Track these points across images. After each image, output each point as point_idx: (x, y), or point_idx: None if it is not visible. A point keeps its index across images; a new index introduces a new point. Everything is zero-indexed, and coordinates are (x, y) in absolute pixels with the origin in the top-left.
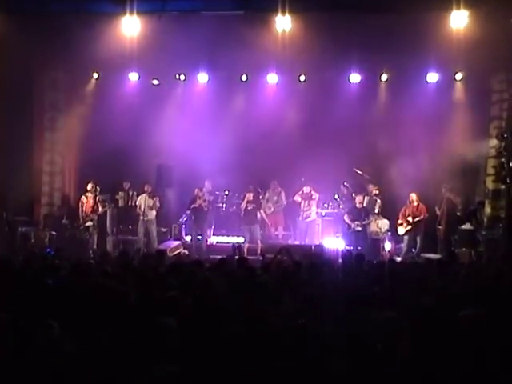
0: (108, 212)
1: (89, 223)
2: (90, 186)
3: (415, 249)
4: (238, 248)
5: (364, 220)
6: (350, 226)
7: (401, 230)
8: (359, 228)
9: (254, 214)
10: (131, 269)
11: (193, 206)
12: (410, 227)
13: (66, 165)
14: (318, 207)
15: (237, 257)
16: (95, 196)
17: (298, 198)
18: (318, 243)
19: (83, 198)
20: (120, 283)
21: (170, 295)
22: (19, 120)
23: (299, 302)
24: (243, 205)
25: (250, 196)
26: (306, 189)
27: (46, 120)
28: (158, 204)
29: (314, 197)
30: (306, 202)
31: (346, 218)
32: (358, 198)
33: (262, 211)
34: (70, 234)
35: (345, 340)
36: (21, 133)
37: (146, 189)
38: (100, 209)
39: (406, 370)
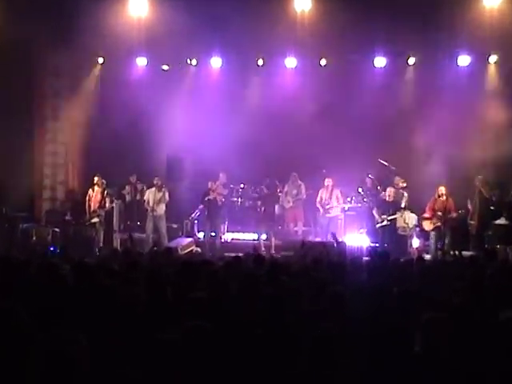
0: (115, 208)
1: (95, 219)
2: (96, 179)
3: (444, 245)
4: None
5: (392, 215)
6: (377, 222)
7: (427, 225)
8: (387, 223)
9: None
10: (140, 268)
11: (206, 199)
12: (439, 223)
13: (69, 156)
14: (340, 201)
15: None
16: (103, 190)
17: (322, 192)
18: (340, 240)
19: (90, 192)
20: (128, 284)
21: (193, 297)
22: (19, 109)
23: (322, 303)
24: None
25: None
26: (328, 181)
27: (48, 108)
28: (167, 197)
29: (335, 190)
30: (327, 195)
31: (374, 212)
32: (388, 191)
33: (279, 205)
34: (75, 230)
35: (371, 343)
36: (20, 122)
37: (155, 182)
38: (107, 204)
39: (446, 374)
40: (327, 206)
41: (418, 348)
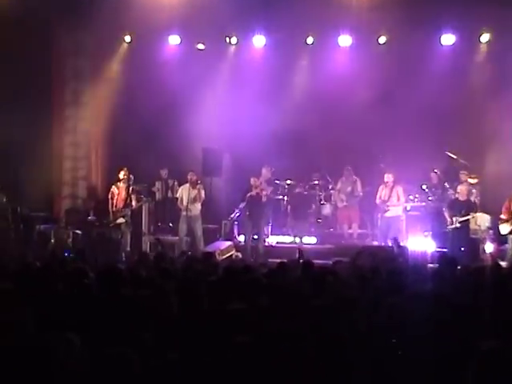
0: (144, 207)
1: (120, 220)
2: (122, 175)
3: None
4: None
5: (465, 215)
6: (447, 223)
7: (505, 229)
8: (458, 225)
9: None
10: (173, 276)
11: (248, 197)
12: None
13: (92, 148)
14: (401, 199)
15: (301, 260)
16: (128, 186)
17: (381, 189)
18: (401, 244)
19: (114, 189)
20: (159, 294)
21: (234, 309)
22: (35, 94)
23: (379, 316)
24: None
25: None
26: (388, 177)
27: (68, 93)
28: (202, 195)
29: (397, 187)
30: (387, 193)
31: (445, 213)
32: (461, 189)
33: (330, 204)
34: (98, 232)
35: (434, 367)
36: (37, 109)
37: (189, 178)
38: (134, 202)
39: None
40: (389, 205)
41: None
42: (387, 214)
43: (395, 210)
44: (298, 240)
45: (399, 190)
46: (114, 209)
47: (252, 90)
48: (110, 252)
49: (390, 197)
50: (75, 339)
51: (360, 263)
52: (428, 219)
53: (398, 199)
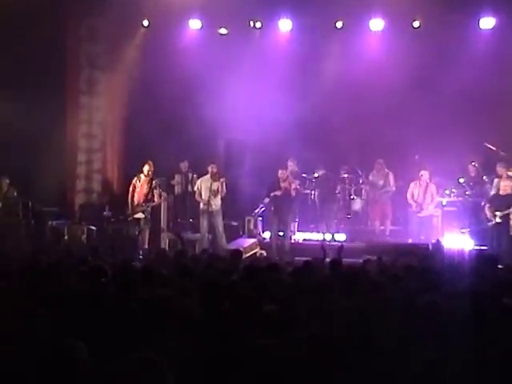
0: (163, 202)
1: (139, 215)
2: (147, 168)
3: None
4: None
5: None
6: (488, 219)
7: None
8: (499, 221)
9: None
10: (194, 275)
11: (274, 193)
12: None
13: (107, 139)
14: (435, 199)
15: (328, 259)
16: (150, 180)
17: (414, 187)
18: (436, 241)
19: (136, 182)
20: (180, 295)
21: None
22: (47, 82)
23: (413, 317)
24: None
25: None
26: (423, 174)
27: (82, 81)
28: (224, 189)
29: (431, 185)
30: (421, 191)
31: (486, 209)
32: (504, 184)
33: (361, 199)
34: (115, 228)
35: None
36: (49, 98)
37: (210, 170)
38: (156, 198)
39: None
40: (422, 205)
41: None
42: (421, 214)
43: (429, 209)
44: (328, 237)
45: (433, 188)
46: (134, 202)
47: (277, 78)
48: (127, 249)
49: (423, 196)
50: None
51: (393, 261)
52: (465, 215)
53: (432, 199)
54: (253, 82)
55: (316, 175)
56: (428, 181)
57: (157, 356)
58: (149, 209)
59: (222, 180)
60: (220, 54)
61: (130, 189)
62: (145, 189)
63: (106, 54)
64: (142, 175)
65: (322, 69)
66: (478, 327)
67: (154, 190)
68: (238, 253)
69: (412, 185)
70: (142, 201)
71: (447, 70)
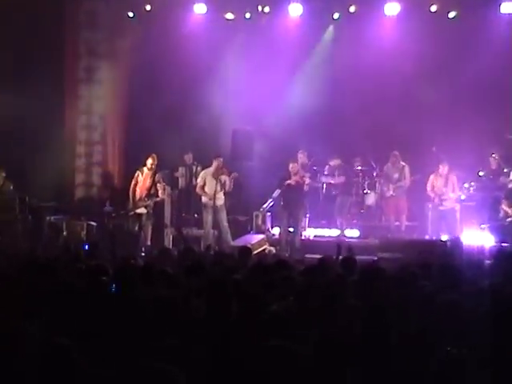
0: (167, 197)
1: (142, 210)
2: (150, 161)
3: None
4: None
5: None
6: (506, 216)
7: None
8: None
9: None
10: (199, 274)
11: (286, 185)
12: None
13: (108, 131)
14: (456, 190)
15: (341, 256)
16: (154, 174)
17: (435, 178)
18: (454, 237)
19: (139, 175)
20: (183, 294)
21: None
22: (44, 70)
23: (434, 316)
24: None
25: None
26: (443, 166)
27: (82, 70)
28: (231, 184)
29: (452, 176)
30: (442, 183)
31: (503, 205)
32: None
33: (375, 193)
34: (115, 224)
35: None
36: (47, 88)
37: (215, 163)
38: (160, 193)
39: None
40: (443, 197)
41: None
42: (442, 207)
43: (450, 202)
44: (347, 233)
45: (454, 179)
46: (136, 197)
47: (286, 65)
48: (129, 246)
49: (445, 187)
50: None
51: (409, 259)
52: (485, 210)
53: (453, 190)
54: (261, 70)
55: (332, 164)
56: (448, 172)
57: (170, 366)
58: (151, 204)
59: (233, 175)
60: (226, 41)
61: (132, 183)
62: (148, 183)
63: (107, 41)
64: (144, 168)
65: (333, 56)
66: (499, 327)
67: (158, 185)
68: (246, 250)
69: (432, 176)
70: (144, 195)
71: (466, 57)
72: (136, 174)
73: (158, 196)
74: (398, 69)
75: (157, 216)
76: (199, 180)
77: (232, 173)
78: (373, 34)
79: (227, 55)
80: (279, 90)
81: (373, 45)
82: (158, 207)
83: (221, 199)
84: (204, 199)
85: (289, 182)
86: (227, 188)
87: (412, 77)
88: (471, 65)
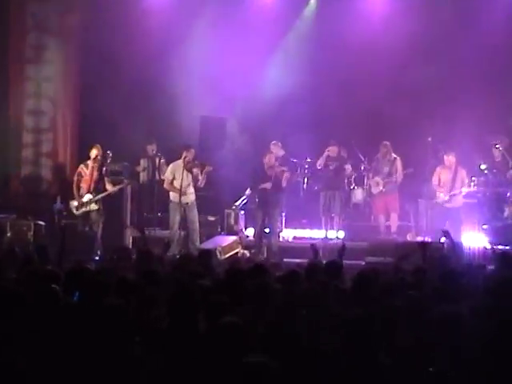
0: (125, 192)
1: (93, 206)
2: (94, 153)
3: None
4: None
5: None
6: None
7: None
8: None
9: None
10: (161, 280)
11: (263, 185)
12: None
13: (59, 117)
14: (465, 186)
15: (324, 261)
16: (101, 166)
17: (441, 171)
18: (452, 239)
19: (82, 169)
20: (143, 302)
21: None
22: None
23: (424, 332)
24: (320, 161)
25: (333, 150)
26: (450, 159)
27: (29, 47)
28: (204, 178)
29: (461, 170)
30: (450, 177)
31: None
32: None
33: (363, 189)
34: (68, 224)
35: None
36: None
37: (185, 155)
38: (109, 186)
39: None
40: (451, 193)
41: None
42: (449, 205)
43: (459, 199)
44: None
45: (463, 173)
46: (82, 193)
47: (262, 44)
48: (82, 248)
49: (454, 182)
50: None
51: (401, 264)
52: (487, 208)
53: (462, 185)
54: (233, 50)
55: (309, 160)
56: (456, 165)
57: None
58: (100, 199)
59: (206, 169)
60: (194, 15)
61: (75, 178)
62: (95, 177)
63: (57, 15)
64: (89, 162)
65: (314, 34)
66: (501, 348)
67: (106, 178)
68: (207, 253)
69: (438, 169)
70: (92, 190)
71: (464, 36)
72: (79, 168)
73: (106, 190)
74: (388, 49)
75: (114, 214)
76: (168, 174)
77: (206, 166)
78: (360, 7)
79: (196, 33)
80: (254, 71)
81: (360, 20)
82: (114, 204)
83: (192, 195)
84: (173, 196)
85: (264, 186)
86: (199, 183)
87: (404, 58)
88: (471, 44)
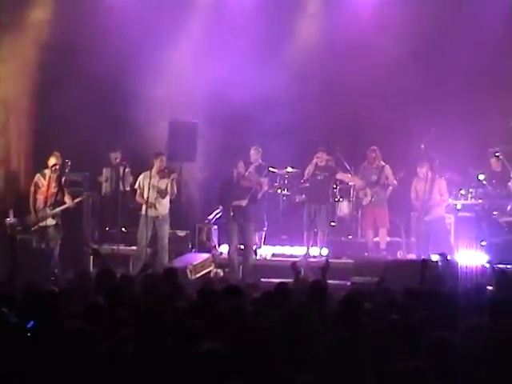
0: (85, 205)
1: (49, 221)
2: (52, 162)
3: None
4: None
5: None
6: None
7: None
8: None
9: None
10: (127, 301)
11: (237, 202)
12: None
13: (13, 122)
14: (445, 196)
15: (309, 281)
16: (60, 176)
17: (417, 182)
18: (446, 257)
19: (39, 179)
20: (106, 326)
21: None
22: None
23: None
24: (308, 170)
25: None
26: (423, 170)
27: None
28: (174, 188)
29: (439, 179)
30: (427, 187)
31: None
32: None
33: (349, 201)
34: (23, 240)
35: None
36: None
37: (156, 164)
38: (67, 199)
39: None
40: (427, 205)
41: None
42: (427, 218)
43: (438, 210)
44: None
45: (442, 182)
46: (38, 206)
47: (239, 44)
48: (37, 267)
49: (429, 193)
50: None
51: (390, 285)
52: (486, 223)
53: (441, 196)
54: (207, 49)
55: (289, 170)
56: (433, 174)
57: None
58: (59, 212)
59: (172, 176)
60: (163, 13)
61: (32, 189)
62: (52, 188)
63: (11, 12)
64: (46, 171)
65: (299, 32)
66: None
67: (65, 189)
68: (173, 272)
69: (414, 182)
70: (50, 203)
71: (461, 37)
72: (36, 178)
73: (65, 203)
74: (379, 49)
75: (72, 229)
76: (137, 185)
77: (171, 173)
78: (348, 7)
79: (165, 30)
80: (230, 73)
81: (346, 19)
82: (74, 218)
83: (162, 208)
84: (143, 209)
85: (238, 203)
86: (171, 194)
87: (396, 59)
88: (466, 45)
